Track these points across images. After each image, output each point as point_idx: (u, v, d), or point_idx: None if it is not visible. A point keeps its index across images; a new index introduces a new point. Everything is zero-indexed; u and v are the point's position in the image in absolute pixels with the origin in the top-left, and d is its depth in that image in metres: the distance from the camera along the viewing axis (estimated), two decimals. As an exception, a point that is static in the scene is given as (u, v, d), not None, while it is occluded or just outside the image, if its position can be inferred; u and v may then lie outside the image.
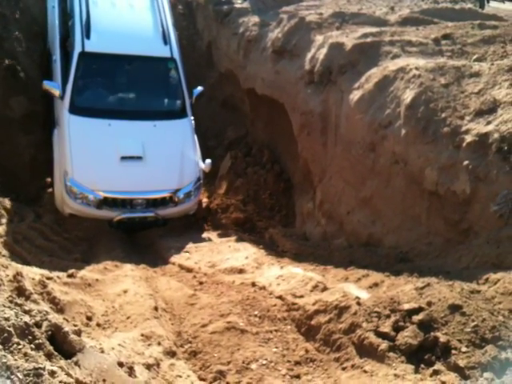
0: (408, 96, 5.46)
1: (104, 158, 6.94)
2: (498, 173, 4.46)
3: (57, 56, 7.75)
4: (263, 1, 10.16)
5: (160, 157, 7.16)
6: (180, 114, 7.69)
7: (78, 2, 7.63)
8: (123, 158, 6.95)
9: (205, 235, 7.24)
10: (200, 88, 8.04)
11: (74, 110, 7.15)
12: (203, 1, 11.28)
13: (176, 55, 7.75)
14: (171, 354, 3.63)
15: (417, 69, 5.65)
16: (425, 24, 7.46)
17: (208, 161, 7.55)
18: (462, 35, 6.74)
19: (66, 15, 7.87)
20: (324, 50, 7.01)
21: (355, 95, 6.25)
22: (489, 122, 4.77)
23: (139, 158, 7.02)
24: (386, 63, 6.26)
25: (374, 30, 7.17)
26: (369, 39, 6.82)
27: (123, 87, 7.71)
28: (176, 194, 7.14)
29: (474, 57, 6.12)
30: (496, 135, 4.59)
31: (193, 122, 7.77)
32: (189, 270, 5.56)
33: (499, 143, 4.53)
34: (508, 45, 6.31)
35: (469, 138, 4.77)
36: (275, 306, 4.33)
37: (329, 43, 7.00)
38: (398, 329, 3.49)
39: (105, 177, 6.91)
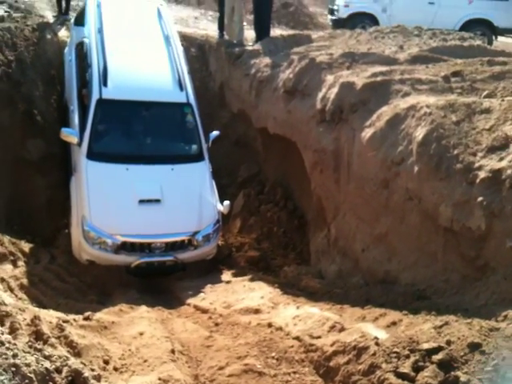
0: (420, 133, 5.50)
1: (122, 202, 6.93)
2: (513, 208, 4.45)
3: (74, 106, 7.89)
4: (274, 42, 10.38)
5: (178, 199, 7.15)
6: (197, 157, 7.73)
7: (95, 52, 7.81)
8: (141, 202, 6.93)
9: (221, 276, 7.15)
10: (216, 132, 8.12)
11: (92, 155, 7.19)
12: (215, 44, 11.55)
13: (192, 101, 7.85)
14: (189, 397, 3.60)
15: (427, 106, 5.70)
16: (434, 62, 7.54)
17: (226, 202, 7.54)
18: (472, 72, 6.80)
19: (83, 66, 8.05)
20: (335, 90, 7.10)
21: (367, 133, 6.30)
22: (501, 158, 4.78)
23: (157, 200, 6.99)
24: (396, 101, 6.32)
25: (383, 68, 7.27)
26: (379, 78, 6.90)
27: (140, 133, 7.79)
28: (195, 237, 7.06)
29: (484, 93, 6.16)
30: (509, 171, 4.58)
31: (210, 165, 7.81)
32: (204, 311, 5.54)
33: (513, 179, 4.53)
34: (517, 80, 6.37)
35: (482, 175, 4.77)
36: (292, 347, 4.30)
37: (339, 83, 7.10)
38: (417, 369, 3.45)
39: (123, 220, 6.87)
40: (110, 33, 8.19)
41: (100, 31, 8.11)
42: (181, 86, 7.76)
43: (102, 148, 7.36)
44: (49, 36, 10.54)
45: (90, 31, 8.31)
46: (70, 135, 7.35)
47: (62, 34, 11.26)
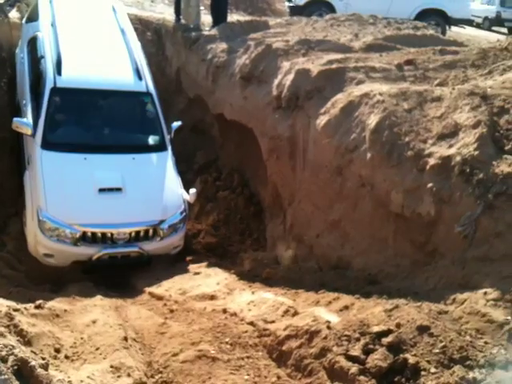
0: (372, 121, 5.59)
1: (80, 191, 6.57)
2: (461, 195, 4.58)
3: (27, 100, 7.56)
4: (231, 28, 10.32)
5: (141, 188, 6.85)
6: (159, 147, 7.49)
7: (49, 44, 7.56)
8: (101, 191, 6.59)
9: (187, 267, 6.89)
10: (178, 123, 7.91)
11: (47, 145, 6.87)
12: (172, 28, 11.40)
13: (152, 90, 7.66)
14: (142, 384, 3.59)
15: (380, 94, 5.79)
16: (388, 50, 7.66)
17: (192, 191, 7.25)
18: (424, 61, 6.94)
19: (36, 60, 7.76)
20: (291, 76, 7.13)
21: (322, 120, 6.35)
22: (451, 146, 4.90)
23: (119, 189, 6.67)
24: (350, 89, 6.40)
25: (339, 56, 7.33)
26: (334, 65, 6.96)
27: (98, 122, 7.51)
28: (160, 226, 6.73)
29: (436, 82, 6.30)
30: (458, 158, 4.71)
31: (173, 155, 7.59)
32: (159, 298, 5.51)
33: (461, 166, 4.65)
34: (468, 69, 6.52)
35: (432, 161, 4.89)
36: (246, 332, 4.33)
37: (295, 69, 7.12)
38: (367, 352, 3.53)
39: (82, 209, 6.50)
40: (63, 26, 7.97)
41: (53, 25, 7.88)
42: (139, 76, 7.57)
43: (57, 138, 7.07)
44: (-1, 17, 10.20)
45: (43, 25, 8.08)
46: (22, 125, 6.98)
47: (13, 15, 10.92)
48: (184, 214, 7.12)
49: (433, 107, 5.47)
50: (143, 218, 6.72)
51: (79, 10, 8.89)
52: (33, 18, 8.83)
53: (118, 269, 6.74)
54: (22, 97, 8.08)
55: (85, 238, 6.45)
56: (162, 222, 6.75)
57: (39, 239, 6.47)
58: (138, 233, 6.63)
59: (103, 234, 6.51)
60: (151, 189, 6.99)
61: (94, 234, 6.48)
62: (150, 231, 6.71)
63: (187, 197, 7.21)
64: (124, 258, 6.69)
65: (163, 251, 6.90)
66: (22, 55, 8.69)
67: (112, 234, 6.53)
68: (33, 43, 8.18)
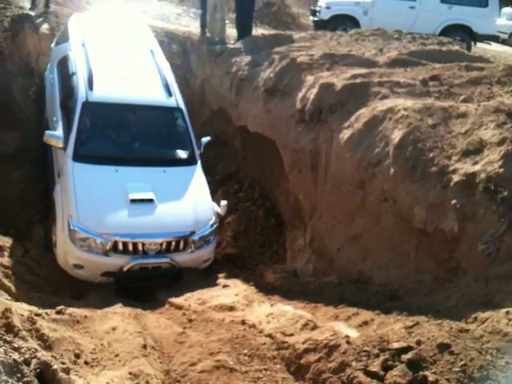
0: (396, 136, 5.58)
1: (112, 202, 6.55)
2: (485, 212, 4.54)
3: (57, 117, 7.65)
4: (255, 41, 10.41)
5: (172, 200, 6.82)
6: (189, 160, 7.51)
7: (80, 62, 7.69)
8: (133, 201, 6.55)
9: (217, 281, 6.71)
10: (208, 138, 7.94)
11: (78, 157, 6.89)
12: (197, 41, 11.53)
13: (182, 106, 7.72)
14: (160, 392, 3.60)
15: (405, 109, 5.78)
16: (413, 65, 7.64)
17: (223, 203, 7.20)
18: (449, 76, 6.91)
19: (67, 78, 7.86)
20: (314, 90, 7.15)
21: (345, 134, 6.36)
22: (476, 162, 4.87)
23: (150, 200, 6.63)
24: (374, 103, 6.40)
25: (363, 71, 7.34)
26: (358, 80, 6.97)
27: (129, 136, 7.56)
28: (191, 238, 6.66)
29: (461, 98, 6.27)
30: (483, 175, 4.68)
31: (202, 169, 7.56)
32: (178, 308, 5.52)
33: (486, 183, 4.62)
34: (494, 86, 6.49)
35: (456, 178, 4.86)
36: (265, 344, 4.31)
37: (319, 83, 7.15)
38: (387, 368, 3.49)
39: (113, 219, 6.45)
40: (93, 46, 8.10)
41: (84, 45, 8.02)
42: (169, 92, 7.65)
43: (88, 150, 7.10)
44: (29, 28, 10.41)
45: (74, 45, 8.22)
46: (53, 138, 7.02)
47: (44, 26, 11.15)
48: (215, 226, 7.04)
49: (458, 123, 5.45)
50: (174, 229, 6.65)
51: (108, 31, 9.06)
52: (63, 40, 8.97)
53: (149, 282, 6.66)
54: (51, 113, 8.19)
55: (115, 249, 6.37)
56: (192, 233, 6.68)
57: (69, 249, 6.41)
58: (169, 244, 6.57)
59: (134, 245, 6.42)
60: (182, 200, 6.93)
61: (125, 244, 6.39)
62: (181, 242, 6.64)
63: (218, 209, 7.16)
64: (155, 270, 6.63)
65: (194, 264, 6.81)
66: (51, 76, 8.81)
67: (143, 245, 6.44)
68: (63, 62, 8.29)
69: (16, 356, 2.36)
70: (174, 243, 6.60)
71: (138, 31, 9.32)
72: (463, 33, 14.64)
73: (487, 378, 3.31)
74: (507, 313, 3.85)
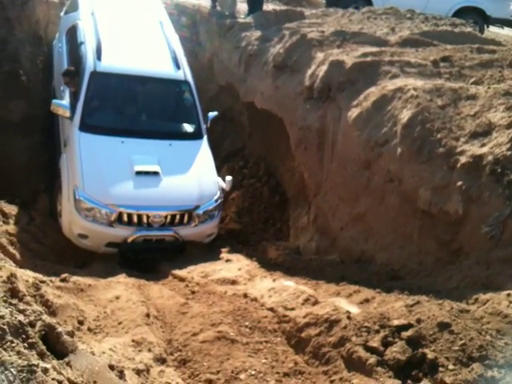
0: (405, 116, 5.55)
1: (117, 173, 6.59)
2: (491, 195, 4.53)
3: (65, 86, 7.62)
4: (266, 16, 10.30)
5: (177, 173, 6.86)
6: (196, 135, 7.52)
7: (89, 32, 7.65)
8: (138, 173, 6.60)
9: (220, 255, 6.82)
10: (214, 113, 7.92)
11: (85, 127, 6.90)
12: (207, 14, 11.42)
13: (189, 79, 7.69)
14: (161, 360, 3.66)
15: (414, 89, 5.74)
16: (424, 46, 7.56)
17: (228, 178, 7.25)
18: (461, 58, 6.84)
19: (76, 47, 7.84)
20: (324, 67, 7.10)
21: (353, 113, 6.33)
22: (483, 145, 4.85)
23: (155, 173, 6.67)
24: (384, 82, 6.35)
25: (374, 49, 7.28)
26: (369, 58, 6.91)
27: (136, 107, 7.58)
28: (195, 212, 6.70)
29: (472, 80, 6.22)
30: (490, 157, 4.66)
31: (208, 144, 7.58)
32: (181, 280, 5.57)
33: (493, 165, 4.61)
34: (505, 69, 6.42)
35: (463, 160, 4.84)
36: (266, 317, 4.37)
37: (329, 60, 7.09)
38: (386, 344, 3.54)
39: (119, 190, 6.48)
40: (103, 16, 8.05)
41: (93, 14, 7.97)
42: (177, 65, 7.61)
43: (95, 121, 7.11)
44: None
45: (83, 15, 8.17)
46: (61, 107, 7.03)
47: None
48: (219, 201, 7.08)
49: (467, 105, 5.41)
50: (179, 203, 6.71)
51: (118, 2, 8.99)
52: (72, 9, 8.93)
53: (152, 254, 6.74)
54: (59, 82, 8.17)
55: (120, 220, 6.43)
56: (197, 207, 6.73)
57: (74, 219, 6.46)
58: (173, 217, 6.62)
59: (139, 216, 6.48)
60: (187, 174, 6.97)
61: (129, 215, 6.45)
62: (186, 216, 6.69)
63: (223, 184, 7.19)
64: (158, 242, 6.70)
65: (197, 238, 6.87)
66: (60, 44, 8.79)
67: (148, 217, 6.49)
68: (72, 32, 8.26)
69: (21, 317, 2.39)
70: (178, 216, 6.65)
71: (148, 2, 9.25)
72: (476, 15, 14.42)
73: (486, 358, 3.34)
74: (508, 295, 3.88)
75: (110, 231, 6.44)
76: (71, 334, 2.69)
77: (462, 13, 14.09)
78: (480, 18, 14.49)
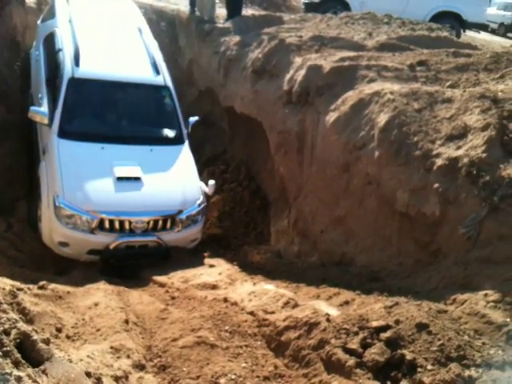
0: (382, 119, 5.60)
1: (98, 179, 6.48)
2: (467, 196, 4.59)
3: (43, 92, 7.55)
4: (245, 21, 10.34)
5: (159, 179, 6.79)
6: (177, 139, 7.46)
7: (66, 38, 7.58)
8: (119, 179, 6.50)
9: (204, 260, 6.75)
10: (195, 118, 7.89)
11: (64, 134, 6.80)
12: (186, 19, 11.43)
13: (169, 84, 7.66)
14: (140, 367, 3.63)
15: (391, 93, 5.80)
16: (401, 50, 7.65)
17: (211, 182, 7.18)
18: (437, 62, 6.93)
19: (53, 53, 7.74)
20: (302, 72, 7.14)
21: (331, 116, 6.37)
22: (459, 147, 4.91)
23: (137, 178, 6.58)
24: (362, 87, 6.41)
25: (351, 54, 7.34)
26: (346, 63, 6.97)
27: (115, 113, 7.50)
28: (178, 217, 6.61)
29: (448, 83, 6.30)
30: (465, 160, 4.72)
31: (190, 149, 7.52)
32: (162, 285, 5.55)
33: (468, 167, 4.66)
34: (481, 73, 6.52)
35: (439, 162, 4.90)
36: (246, 321, 4.36)
37: (307, 65, 7.14)
38: (365, 346, 3.56)
39: (100, 197, 6.38)
40: (80, 23, 8.00)
41: (70, 21, 7.92)
42: (157, 70, 7.58)
43: (74, 127, 7.01)
44: (15, 1, 10.25)
45: (60, 22, 8.11)
46: (38, 114, 6.92)
47: (30, 0, 10.99)
48: (202, 205, 7.01)
49: (443, 108, 5.48)
50: (161, 208, 6.61)
51: (95, 8, 8.93)
52: (49, 16, 8.87)
53: (136, 261, 6.60)
54: (37, 90, 8.08)
55: (102, 226, 6.32)
56: (180, 212, 6.65)
57: (55, 226, 6.33)
58: (156, 222, 6.53)
59: (121, 222, 6.38)
60: (169, 179, 6.91)
61: (111, 221, 6.34)
62: (169, 221, 6.61)
63: (206, 189, 7.14)
64: (142, 248, 6.59)
65: (181, 243, 6.77)
66: (37, 52, 8.70)
67: (130, 223, 6.39)
68: (49, 39, 8.19)
69: (-4, 326, 2.37)
70: (161, 222, 6.57)
71: (126, 9, 9.23)
72: (453, 20, 14.66)
73: (464, 358, 3.38)
74: (485, 295, 3.93)
75: (91, 238, 6.31)
76: (47, 342, 2.66)
77: (439, 17, 14.33)
78: (457, 22, 14.76)
